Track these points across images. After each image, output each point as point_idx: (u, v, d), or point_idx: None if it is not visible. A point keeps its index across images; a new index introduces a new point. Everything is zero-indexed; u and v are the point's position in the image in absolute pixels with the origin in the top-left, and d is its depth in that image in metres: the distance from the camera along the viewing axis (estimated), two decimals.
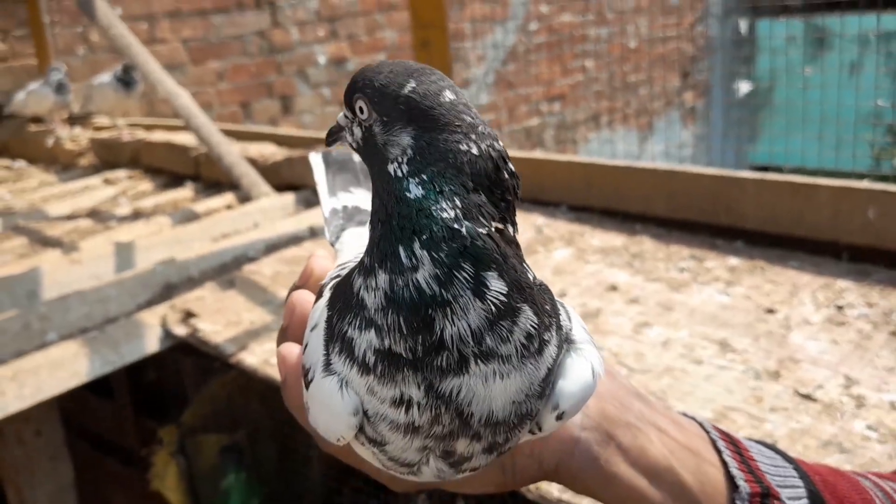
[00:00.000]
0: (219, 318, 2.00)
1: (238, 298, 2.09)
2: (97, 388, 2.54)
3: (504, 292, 0.47)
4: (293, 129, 4.86)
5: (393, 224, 0.48)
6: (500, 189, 0.50)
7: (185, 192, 3.02)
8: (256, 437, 2.31)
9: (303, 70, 5.04)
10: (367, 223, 0.71)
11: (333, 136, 0.57)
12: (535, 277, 0.51)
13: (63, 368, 1.90)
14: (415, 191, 0.47)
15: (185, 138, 3.26)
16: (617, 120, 6.66)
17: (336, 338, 0.50)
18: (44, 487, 2.21)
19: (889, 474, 0.72)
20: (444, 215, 0.47)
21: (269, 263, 2.28)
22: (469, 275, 0.46)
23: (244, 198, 2.81)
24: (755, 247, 2.13)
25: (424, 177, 0.48)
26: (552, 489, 1.39)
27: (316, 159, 0.84)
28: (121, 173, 3.37)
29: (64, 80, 3.69)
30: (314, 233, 2.51)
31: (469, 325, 0.46)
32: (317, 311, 0.55)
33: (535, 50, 6.14)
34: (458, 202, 0.47)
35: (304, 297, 0.61)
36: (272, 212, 2.68)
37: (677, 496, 0.58)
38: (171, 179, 3.25)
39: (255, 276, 2.20)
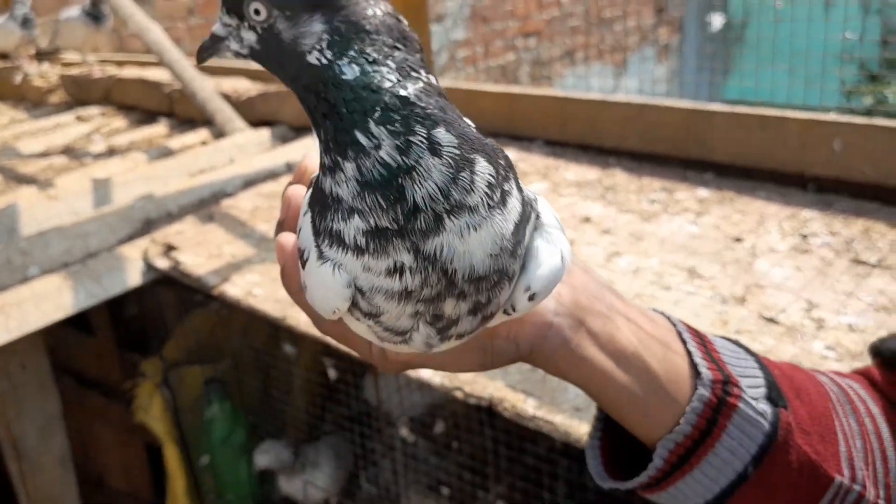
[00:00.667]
0: (200, 251, 2.02)
1: (218, 232, 2.11)
2: (79, 324, 2.57)
3: (456, 144, 0.50)
4: None
5: (342, 112, 0.50)
6: (409, 41, 0.52)
7: (159, 129, 3.01)
8: (239, 368, 2.36)
9: None
10: None
11: (210, 49, 0.56)
12: (480, 134, 0.54)
13: (47, 301, 1.93)
14: (349, 71, 0.50)
15: (157, 74, 3.23)
16: (592, 56, 6.64)
17: (323, 234, 0.53)
18: (32, 419, 2.25)
19: (847, 373, 0.77)
20: (387, 84, 0.49)
21: (247, 198, 2.30)
22: (423, 136, 0.49)
23: (219, 134, 2.81)
24: (724, 178, 2.18)
25: (352, 53, 0.50)
26: (527, 407, 1.45)
27: None
28: (93, 110, 3.34)
29: (30, 15, 3.60)
30: (290, 168, 2.52)
31: (435, 184, 0.49)
32: (306, 198, 0.58)
33: None
34: (391, 65, 0.50)
35: (298, 190, 0.64)
36: (248, 147, 2.69)
37: (643, 379, 0.62)
38: (145, 116, 3.22)
39: (234, 211, 2.22)
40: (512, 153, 2.47)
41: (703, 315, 1.58)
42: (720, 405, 0.62)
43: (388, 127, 0.49)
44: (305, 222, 0.56)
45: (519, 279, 0.55)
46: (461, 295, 0.51)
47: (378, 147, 0.49)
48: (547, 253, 0.55)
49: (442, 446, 1.87)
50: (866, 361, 1.40)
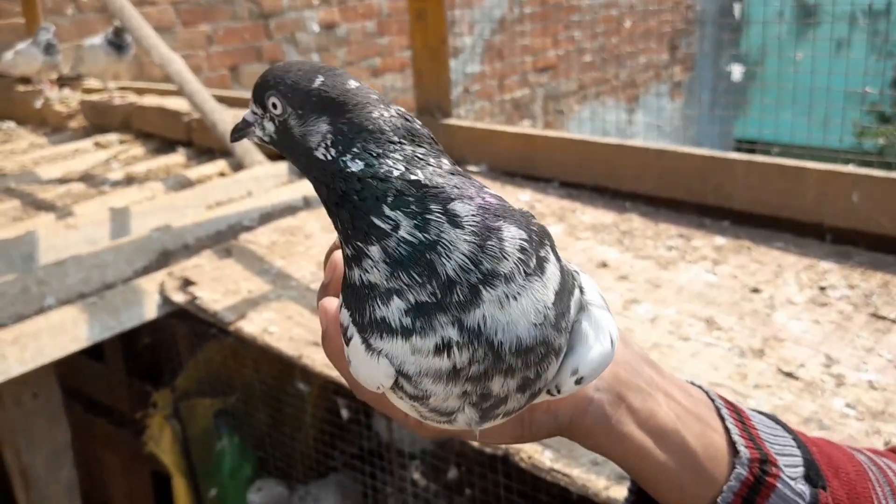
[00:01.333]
0: (217, 286, 2.03)
1: (235, 267, 2.12)
2: (90, 351, 2.57)
3: (474, 213, 0.50)
4: None
5: (354, 200, 0.52)
6: (418, 136, 0.54)
7: (177, 158, 3.02)
8: (249, 402, 2.35)
9: (293, 35, 5.01)
10: None
11: (239, 132, 0.60)
12: (510, 205, 0.54)
13: (64, 333, 1.93)
14: (353, 165, 0.52)
15: (177, 103, 3.25)
16: (605, 92, 6.68)
17: (368, 328, 0.53)
18: (41, 449, 2.24)
19: (883, 451, 0.75)
20: (395, 173, 0.51)
21: (264, 233, 2.30)
22: (440, 212, 0.50)
23: (237, 165, 2.82)
24: (742, 227, 2.19)
25: (355, 149, 0.53)
26: (544, 459, 1.45)
27: None
28: (112, 137, 3.36)
29: (53, 41, 3.65)
30: (308, 203, 2.53)
31: (463, 254, 0.49)
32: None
33: (525, 20, 6.12)
34: (398, 156, 0.52)
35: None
36: (266, 180, 2.70)
37: (681, 457, 0.61)
38: (163, 144, 3.25)
39: (252, 246, 2.23)
40: (528, 194, 2.47)
41: (722, 368, 1.58)
42: (757, 484, 0.61)
43: (403, 209, 0.50)
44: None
45: (566, 360, 0.54)
46: (509, 371, 0.51)
47: (397, 228, 0.50)
48: (595, 336, 0.55)
49: (454, 491, 1.86)
50: (888, 421, 1.39)
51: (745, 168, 2.17)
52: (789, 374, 1.55)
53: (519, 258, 0.50)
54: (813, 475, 0.63)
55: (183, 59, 2.98)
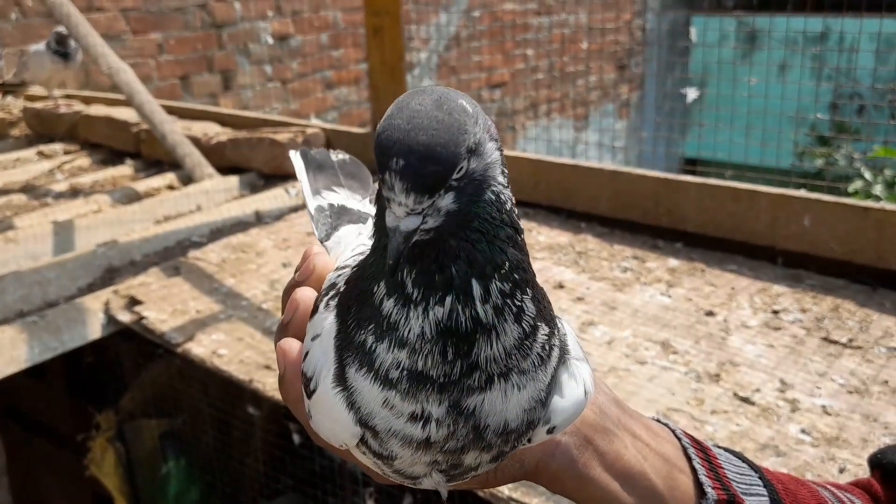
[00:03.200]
0: (164, 305, 1.97)
1: (184, 286, 2.06)
2: (30, 369, 2.47)
3: (534, 314, 0.49)
4: (233, 106, 4.77)
5: (475, 255, 0.47)
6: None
7: (124, 170, 2.94)
8: (196, 424, 2.29)
9: (245, 46, 4.94)
10: (361, 221, 0.72)
11: (400, 252, 0.46)
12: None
13: (1, 354, 1.85)
14: (509, 196, 0.49)
15: (125, 113, 3.17)
16: (555, 109, 6.74)
17: (354, 349, 0.50)
18: None
19: (846, 485, 0.76)
20: (512, 217, 0.49)
21: (214, 249, 2.25)
22: (517, 301, 0.48)
23: (187, 179, 2.76)
24: (695, 249, 2.21)
25: (506, 169, 0.50)
26: (503, 489, 1.43)
27: (296, 157, 0.81)
28: (56, 146, 3.26)
29: None
30: (260, 218, 2.48)
31: (503, 347, 0.48)
32: (320, 321, 0.55)
33: (478, 37, 6.15)
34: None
35: (308, 294, 0.61)
36: (216, 195, 2.64)
37: (648, 500, 0.61)
38: (110, 155, 3.16)
39: (201, 263, 2.17)
40: None
41: (679, 393, 1.58)
42: None
43: (502, 286, 0.48)
44: (315, 348, 0.54)
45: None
46: (486, 447, 0.50)
47: (486, 301, 0.47)
48: (570, 386, 0.55)
49: None
50: (842, 447, 1.41)
51: (699, 191, 2.19)
52: (745, 400, 1.56)
53: (538, 354, 0.50)
54: None
55: (132, 67, 2.91)
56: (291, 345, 0.59)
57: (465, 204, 0.46)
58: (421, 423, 0.48)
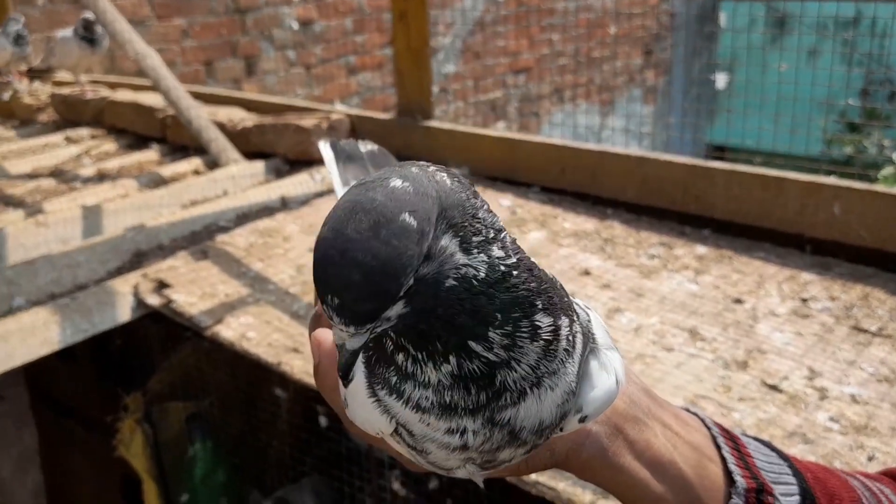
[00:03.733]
0: (193, 289, 1.98)
1: (212, 270, 2.08)
2: (60, 353, 2.51)
3: (551, 324, 0.50)
4: (257, 92, 4.78)
5: (459, 324, 0.47)
6: (475, 194, 0.49)
7: (150, 155, 2.97)
8: (223, 406, 2.31)
9: (269, 31, 4.95)
10: None
11: (353, 365, 0.49)
12: (543, 272, 0.52)
13: (34, 336, 1.88)
14: (481, 266, 0.47)
15: (150, 98, 3.19)
16: (580, 95, 6.69)
17: (381, 379, 0.51)
18: (8, 453, 2.18)
19: (875, 474, 0.75)
20: (502, 268, 0.47)
21: (241, 234, 2.26)
22: (527, 327, 0.49)
23: (212, 164, 2.77)
24: (723, 236, 2.19)
25: (475, 240, 0.47)
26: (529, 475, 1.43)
27: (325, 148, 0.82)
28: (83, 132, 3.29)
29: (22, 32, 3.56)
30: (286, 203, 2.49)
31: (529, 365, 0.49)
32: None
33: (503, 21, 6.12)
34: (490, 234, 0.48)
35: None
36: (242, 180, 2.66)
37: (678, 488, 0.61)
38: (136, 140, 3.18)
39: (229, 247, 2.19)
40: (509, 199, 2.46)
41: (706, 380, 1.57)
42: None
43: (502, 330, 0.48)
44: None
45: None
46: (522, 444, 0.52)
47: (490, 349, 0.48)
48: (601, 375, 0.55)
49: (434, 502, 1.84)
50: (871, 436, 1.40)
51: (727, 177, 2.17)
52: (773, 387, 1.55)
53: (564, 349, 0.51)
54: (808, 503, 0.63)
55: (157, 53, 2.92)
56: (326, 335, 0.61)
57: (419, 303, 0.46)
58: (458, 434, 0.50)
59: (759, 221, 2.13)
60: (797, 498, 0.63)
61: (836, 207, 2.00)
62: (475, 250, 0.47)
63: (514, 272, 0.48)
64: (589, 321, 0.56)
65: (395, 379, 0.50)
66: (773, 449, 0.68)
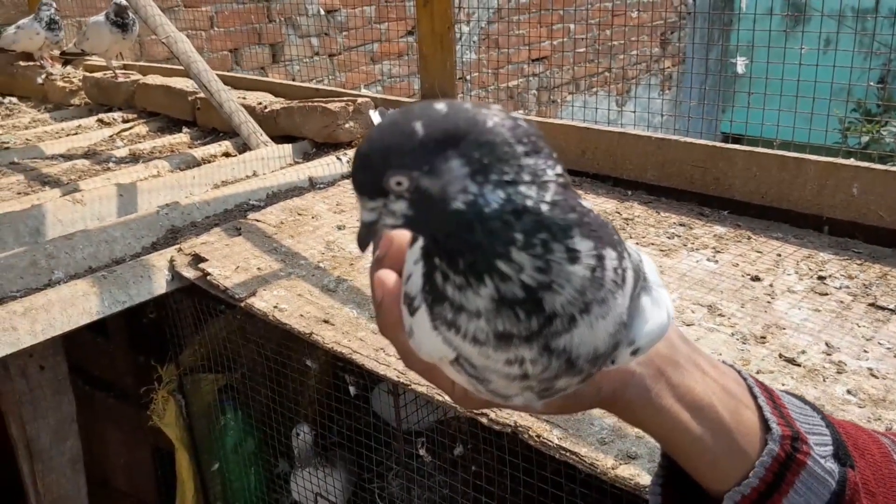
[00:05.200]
0: (227, 263, 2.05)
1: (245, 245, 2.14)
2: (93, 326, 2.59)
3: (592, 248, 0.51)
4: (284, 79, 4.84)
5: (483, 244, 0.50)
6: (531, 139, 0.52)
7: (182, 137, 3.04)
8: (253, 378, 2.38)
9: (293, 19, 5.01)
10: None
11: (368, 236, 0.56)
12: (596, 215, 0.54)
13: (73, 306, 1.95)
14: (494, 199, 0.49)
15: (180, 82, 3.26)
16: (597, 83, 6.72)
17: (439, 316, 0.54)
18: (46, 420, 2.26)
19: None
20: (529, 202, 0.50)
21: (272, 212, 2.33)
22: (562, 251, 0.50)
23: (242, 146, 2.84)
24: (741, 217, 2.23)
25: (494, 177, 0.50)
26: (552, 437, 1.48)
27: (375, 115, 0.84)
28: (115, 115, 3.37)
29: (55, 17, 3.64)
30: (314, 184, 2.56)
31: (574, 289, 0.51)
32: (419, 248, 0.58)
33: (521, 10, 6.15)
34: (527, 178, 0.50)
35: (400, 231, 0.63)
36: (271, 161, 2.72)
37: (716, 432, 0.63)
38: (167, 123, 3.26)
39: (260, 224, 2.25)
40: None
41: (725, 354, 1.62)
42: (789, 461, 0.63)
43: (530, 251, 0.50)
44: (417, 270, 0.57)
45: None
46: (578, 372, 0.54)
47: (521, 271, 0.50)
48: (653, 310, 0.58)
49: (459, 468, 1.90)
50: (889, 408, 1.44)
51: (746, 159, 2.21)
52: (791, 361, 1.59)
53: (613, 280, 0.52)
54: (842, 454, 0.65)
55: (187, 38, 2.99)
56: (388, 275, 0.62)
57: (423, 213, 0.51)
58: (517, 364, 0.52)
59: (777, 202, 2.17)
60: (830, 448, 0.64)
61: (855, 188, 2.04)
62: (491, 185, 0.50)
63: (544, 207, 0.50)
64: (640, 261, 0.58)
65: (449, 314, 0.53)
66: (807, 403, 0.69)
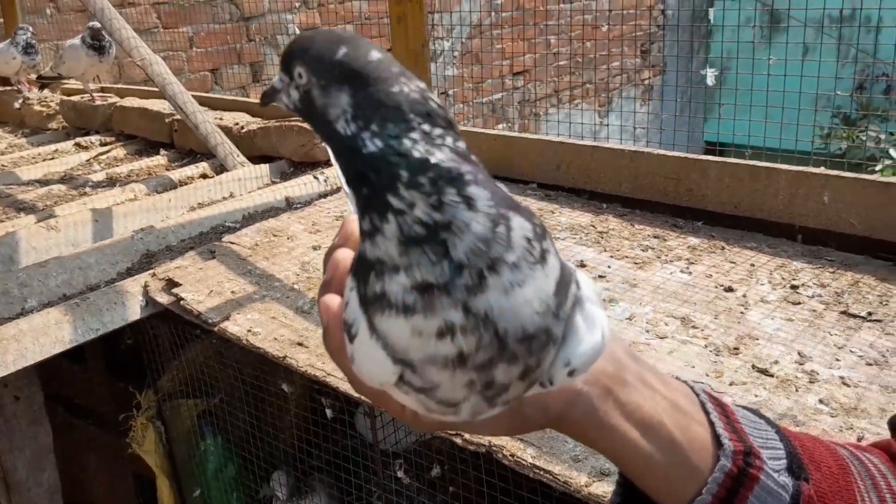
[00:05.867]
0: (201, 287, 2.04)
1: (219, 268, 2.13)
2: (70, 353, 2.57)
3: (489, 198, 0.51)
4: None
5: (371, 178, 0.52)
6: (436, 115, 0.54)
7: (159, 160, 3.03)
8: (232, 402, 2.37)
9: (273, 38, 5.02)
10: None
11: (269, 97, 0.62)
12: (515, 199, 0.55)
13: (46, 335, 1.93)
14: (371, 144, 0.53)
15: (159, 104, 3.26)
16: (577, 95, 6.75)
17: (370, 302, 0.54)
18: (23, 451, 2.24)
19: (866, 446, 0.77)
20: (415, 153, 0.52)
21: (248, 234, 2.32)
22: (455, 194, 0.51)
23: (219, 167, 2.84)
24: (715, 227, 2.24)
25: (374, 127, 0.52)
26: (526, 456, 1.48)
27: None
28: (93, 138, 3.36)
29: (31, 41, 3.64)
30: (291, 204, 2.55)
31: (475, 236, 0.50)
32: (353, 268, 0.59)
33: (500, 24, 6.18)
34: (415, 136, 0.52)
35: (346, 253, 0.65)
36: (248, 182, 2.72)
37: (667, 449, 0.63)
38: (145, 146, 3.25)
39: (235, 247, 2.25)
40: None
41: (699, 366, 1.62)
42: (741, 476, 0.63)
43: (419, 189, 0.51)
44: (353, 296, 0.57)
45: (559, 353, 0.56)
46: (513, 358, 0.52)
47: (412, 206, 0.51)
48: (588, 329, 0.57)
49: (437, 489, 1.89)
50: (860, 417, 1.44)
51: (718, 170, 2.22)
52: (764, 371, 1.59)
53: (525, 248, 0.51)
54: (795, 467, 0.65)
55: (164, 60, 2.99)
56: (333, 299, 0.63)
57: (309, 114, 0.58)
58: (449, 336, 0.51)
59: (750, 212, 2.18)
60: (784, 461, 0.64)
61: (826, 196, 2.05)
62: (369, 133, 0.53)
63: (431, 158, 0.51)
64: (573, 271, 0.58)
65: (377, 286, 0.53)
66: (761, 416, 0.69)
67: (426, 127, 0.53)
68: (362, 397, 0.68)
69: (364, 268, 0.55)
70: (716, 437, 0.64)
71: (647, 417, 0.64)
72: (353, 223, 0.68)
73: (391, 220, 0.51)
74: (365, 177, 0.52)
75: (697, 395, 0.68)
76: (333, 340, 0.63)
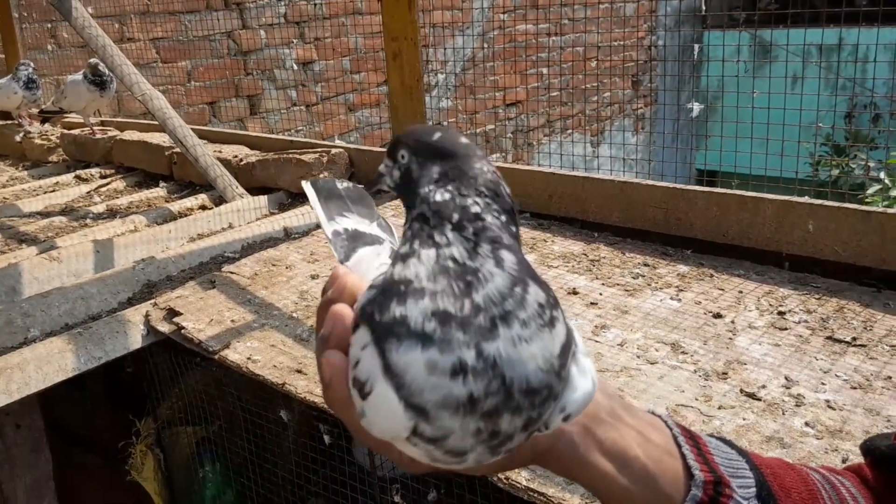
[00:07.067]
0: (202, 316, 2.08)
1: (219, 298, 2.18)
2: (71, 381, 2.60)
3: (515, 263, 0.58)
4: (260, 130, 4.93)
5: (427, 216, 0.61)
6: (501, 197, 0.62)
7: (159, 192, 3.08)
8: (231, 430, 2.40)
9: (270, 71, 5.11)
10: (377, 243, 0.82)
11: (375, 182, 0.71)
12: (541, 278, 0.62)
13: (49, 364, 1.97)
14: (440, 196, 0.62)
15: (157, 138, 3.31)
16: (571, 126, 6.84)
17: (389, 328, 0.58)
18: (23, 480, 2.26)
19: (839, 469, 0.81)
20: (467, 205, 0.60)
21: (247, 264, 2.37)
22: (489, 251, 0.58)
23: (219, 199, 2.89)
24: (704, 255, 2.29)
25: (449, 187, 0.62)
26: (520, 479, 1.52)
27: (308, 187, 0.91)
28: (93, 171, 3.41)
29: (33, 76, 3.71)
30: (289, 234, 2.60)
31: (496, 288, 0.56)
32: (365, 332, 0.61)
33: (494, 57, 6.28)
34: (479, 201, 0.61)
35: (345, 310, 0.67)
36: (247, 213, 2.77)
37: (641, 481, 0.69)
38: (145, 178, 3.30)
39: (235, 276, 2.29)
40: None
41: (688, 390, 1.66)
42: None
43: (462, 233, 0.59)
44: (366, 355, 0.60)
45: (557, 400, 0.61)
46: (517, 409, 0.57)
47: (449, 245, 0.58)
48: (580, 378, 0.63)
49: None
50: (845, 439, 1.48)
51: (706, 199, 2.28)
52: (751, 395, 1.63)
53: (536, 311, 0.57)
54: (765, 494, 0.70)
55: (163, 94, 3.05)
56: (335, 354, 0.65)
57: (404, 182, 0.67)
58: (461, 376, 0.55)
59: (738, 240, 2.23)
60: (753, 489, 0.69)
61: (811, 225, 2.11)
62: (444, 187, 0.62)
63: (486, 218, 0.60)
64: (573, 330, 0.63)
65: (399, 311, 0.57)
66: (734, 447, 0.75)
67: (489, 200, 0.61)
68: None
69: (385, 295, 0.59)
70: (687, 468, 0.70)
71: (622, 452, 0.69)
72: (347, 277, 0.71)
73: (430, 248, 0.59)
74: (424, 217, 0.61)
75: (670, 428, 0.73)
76: (338, 394, 0.65)
